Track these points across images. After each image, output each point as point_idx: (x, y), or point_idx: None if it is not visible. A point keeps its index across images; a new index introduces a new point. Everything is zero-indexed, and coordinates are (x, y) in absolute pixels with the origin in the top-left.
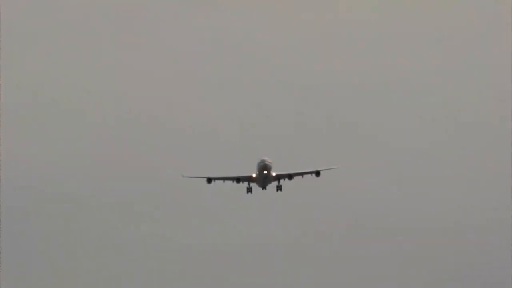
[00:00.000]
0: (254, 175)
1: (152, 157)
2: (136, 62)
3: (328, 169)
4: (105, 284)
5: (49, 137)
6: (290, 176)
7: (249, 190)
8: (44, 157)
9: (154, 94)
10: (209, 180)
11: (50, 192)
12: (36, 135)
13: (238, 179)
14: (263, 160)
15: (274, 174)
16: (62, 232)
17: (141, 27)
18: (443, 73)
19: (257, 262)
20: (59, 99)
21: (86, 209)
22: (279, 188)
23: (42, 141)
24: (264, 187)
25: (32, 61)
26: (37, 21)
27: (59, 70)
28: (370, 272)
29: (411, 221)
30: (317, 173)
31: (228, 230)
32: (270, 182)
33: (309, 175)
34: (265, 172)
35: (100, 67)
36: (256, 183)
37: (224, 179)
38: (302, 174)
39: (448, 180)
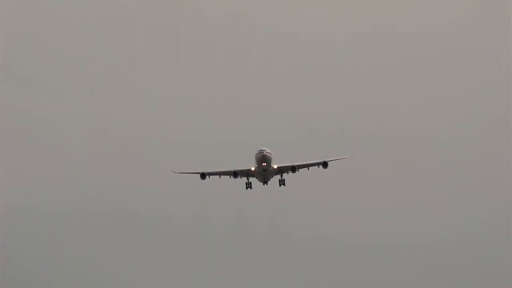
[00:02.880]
0: (253, 168)
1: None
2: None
3: (338, 159)
4: None
5: None
6: (293, 169)
7: (249, 185)
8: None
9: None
10: (203, 175)
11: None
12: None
13: (235, 173)
14: (262, 150)
15: (275, 166)
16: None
17: None
18: None
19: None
20: None
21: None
22: (282, 182)
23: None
24: (265, 182)
25: None
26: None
27: None
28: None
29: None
30: (325, 164)
31: (226, 230)
32: (271, 176)
33: (316, 167)
34: (264, 164)
35: None
36: (256, 177)
37: (219, 173)
38: (307, 166)
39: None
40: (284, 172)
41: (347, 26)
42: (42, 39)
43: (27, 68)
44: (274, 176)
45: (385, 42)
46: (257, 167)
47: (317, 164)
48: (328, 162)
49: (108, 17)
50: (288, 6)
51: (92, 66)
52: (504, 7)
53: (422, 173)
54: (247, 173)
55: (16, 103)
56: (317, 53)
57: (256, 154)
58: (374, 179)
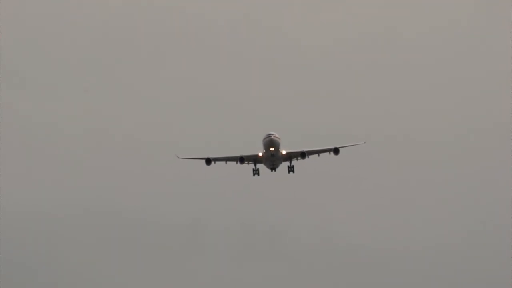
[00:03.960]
0: (260, 154)
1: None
2: None
3: (350, 145)
4: None
5: None
6: (303, 155)
7: (256, 172)
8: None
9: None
10: (208, 161)
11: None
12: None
13: (241, 159)
14: (270, 134)
15: (284, 152)
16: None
17: None
18: None
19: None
20: None
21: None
22: (291, 169)
23: None
24: (273, 168)
25: None
26: None
27: None
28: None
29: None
30: (336, 151)
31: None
32: (280, 162)
33: (327, 153)
34: (272, 149)
35: None
36: (264, 164)
37: (225, 159)
38: (318, 152)
39: None
40: (293, 158)
41: (349, 28)
42: (42, 41)
43: (27, 70)
44: (283, 163)
45: (386, 44)
46: (264, 152)
47: (328, 150)
48: (340, 149)
49: (108, 19)
50: (290, 9)
51: (92, 68)
52: (505, 8)
53: (425, 176)
54: (254, 159)
55: (16, 105)
56: (319, 56)
57: (264, 139)
58: (376, 180)
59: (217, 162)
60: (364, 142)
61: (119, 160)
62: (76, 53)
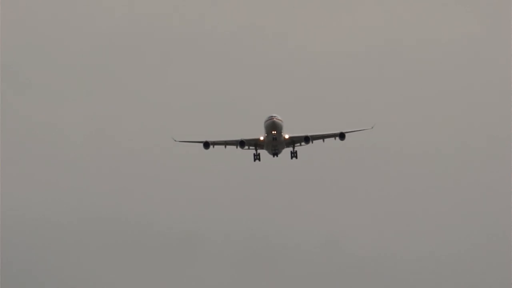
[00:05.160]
0: (261, 138)
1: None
2: None
3: (357, 130)
4: None
5: None
6: (307, 139)
7: (257, 157)
8: None
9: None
10: (207, 144)
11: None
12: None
13: (242, 143)
14: (271, 116)
15: (287, 136)
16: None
17: None
18: None
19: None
20: None
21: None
22: (293, 154)
23: None
24: (275, 154)
25: None
26: None
27: None
28: None
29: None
30: (341, 136)
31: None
32: (282, 147)
33: (332, 139)
34: (274, 132)
35: None
36: (265, 149)
37: (225, 143)
38: (322, 137)
39: None
40: (296, 143)
41: (354, 38)
42: (44, 43)
43: (29, 73)
44: (286, 148)
45: (391, 52)
46: (266, 136)
47: (334, 135)
48: (346, 134)
49: (113, 24)
50: (296, 18)
51: (96, 73)
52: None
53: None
54: (255, 143)
55: (18, 108)
56: (325, 63)
57: (265, 121)
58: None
59: (215, 146)
60: (372, 127)
61: (119, 161)
62: (80, 58)
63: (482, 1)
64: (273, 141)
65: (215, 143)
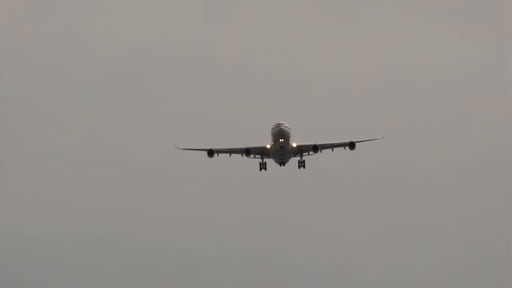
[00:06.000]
0: (268, 146)
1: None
2: None
3: (367, 140)
4: None
5: None
6: (315, 148)
7: (263, 166)
8: None
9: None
10: (211, 152)
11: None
12: None
13: (248, 151)
14: (279, 124)
15: (294, 145)
16: None
17: None
18: None
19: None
20: None
21: None
22: (301, 164)
23: None
24: (282, 163)
25: None
26: None
27: None
28: None
29: None
30: (352, 145)
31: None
32: (290, 155)
33: (342, 148)
34: (281, 140)
35: None
36: (272, 157)
37: (230, 151)
38: (332, 146)
39: None
40: (304, 152)
41: (359, 63)
42: (43, 69)
43: (32, 99)
44: (293, 158)
45: (400, 77)
46: (273, 144)
47: (343, 145)
48: (356, 143)
49: (115, 50)
50: (303, 43)
51: (101, 98)
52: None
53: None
54: (261, 151)
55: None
56: (331, 87)
57: (273, 129)
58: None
59: (220, 155)
60: (384, 137)
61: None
62: (88, 85)
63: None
64: (280, 149)
65: (219, 151)
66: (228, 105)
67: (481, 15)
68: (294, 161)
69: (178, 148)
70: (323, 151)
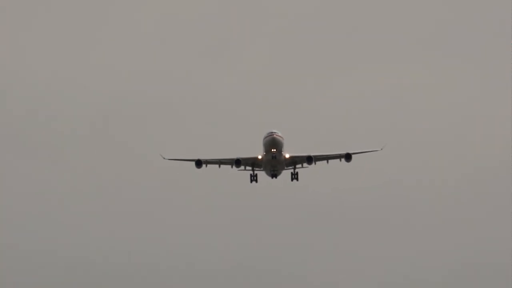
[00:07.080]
0: (260, 157)
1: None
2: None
3: (364, 152)
4: None
5: None
6: (309, 159)
7: (254, 178)
8: None
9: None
10: (199, 163)
11: None
12: None
13: (238, 162)
14: (271, 133)
15: (287, 155)
16: None
17: None
18: None
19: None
20: None
21: None
22: (294, 176)
23: None
24: (274, 175)
25: None
26: None
27: None
28: None
29: None
30: (348, 157)
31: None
32: (282, 167)
33: (337, 160)
34: (273, 149)
35: None
36: (264, 169)
37: (219, 162)
38: (327, 157)
39: None
40: (298, 164)
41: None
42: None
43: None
44: (286, 169)
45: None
46: (265, 154)
47: (339, 156)
48: (352, 155)
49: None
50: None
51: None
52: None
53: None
54: (252, 162)
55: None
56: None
57: (265, 138)
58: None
59: (209, 166)
60: (381, 149)
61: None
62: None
63: None
64: (272, 160)
65: (208, 162)
66: (218, 114)
67: None
68: (286, 173)
69: (164, 158)
70: (317, 163)
